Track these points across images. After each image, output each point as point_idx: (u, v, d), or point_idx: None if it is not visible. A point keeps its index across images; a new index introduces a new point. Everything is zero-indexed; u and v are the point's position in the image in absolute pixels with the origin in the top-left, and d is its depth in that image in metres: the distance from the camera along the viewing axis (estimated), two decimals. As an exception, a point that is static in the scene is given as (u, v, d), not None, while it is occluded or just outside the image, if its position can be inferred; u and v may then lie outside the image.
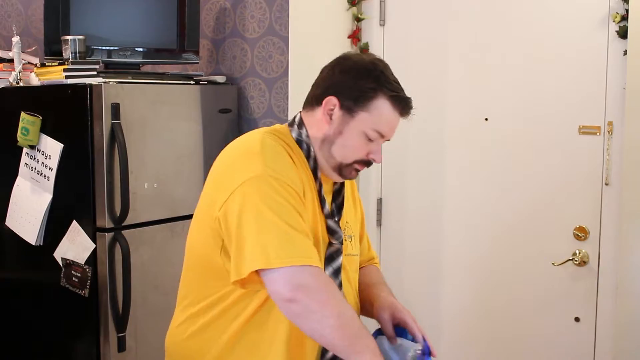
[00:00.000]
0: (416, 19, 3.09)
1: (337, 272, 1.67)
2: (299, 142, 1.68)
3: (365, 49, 3.15)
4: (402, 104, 1.65)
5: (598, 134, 2.70)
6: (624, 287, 2.60)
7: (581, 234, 2.75)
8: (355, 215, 1.85)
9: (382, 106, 1.63)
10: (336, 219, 1.71)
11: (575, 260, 2.76)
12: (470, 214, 3.02)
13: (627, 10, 2.56)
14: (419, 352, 1.65)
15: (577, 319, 2.79)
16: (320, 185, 1.68)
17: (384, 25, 3.16)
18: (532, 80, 2.83)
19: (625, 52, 2.58)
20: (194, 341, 1.68)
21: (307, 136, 1.68)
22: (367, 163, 1.69)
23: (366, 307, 1.81)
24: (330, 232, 1.67)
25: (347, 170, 1.68)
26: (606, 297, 2.70)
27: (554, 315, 2.83)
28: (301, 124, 1.70)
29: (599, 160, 2.70)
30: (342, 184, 1.78)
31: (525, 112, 2.85)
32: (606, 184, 2.69)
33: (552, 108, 2.79)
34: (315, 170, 1.67)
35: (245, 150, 1.63)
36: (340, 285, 1.67)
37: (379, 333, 1.74)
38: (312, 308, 1.48)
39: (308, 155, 1.67)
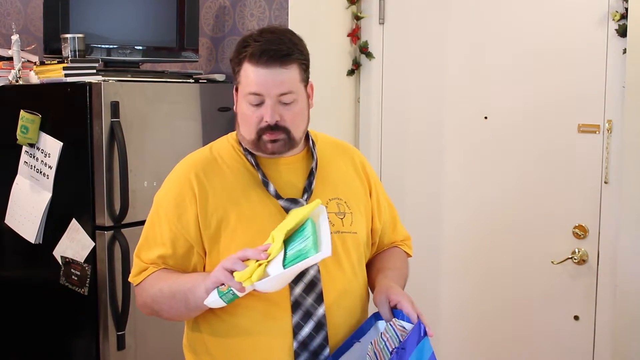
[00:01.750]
0: (415, 17, 3.09)
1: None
2: (240, 142, 1.76)
3: (364, 47, 3.15)
4: (258, 55, 1.62)
5: (597, 132, 2.70)
6: (623, 285, 2.60)
7: (580, 232, 2.76)
8: (356, 193, 1.82)
9: (246, 69, 1.66)
10: (302, 198, 1.70)
11: (575, 259, 2.76)
12: (470, 212, 3.02)
13: (626, 9, 2.55)
14: (402, 326, 1.63)
15: (576, 318, 2.79)
16: (264, 173, 1.71)
17: (383, 23, 3.16)
18: (531, 78, 2.83)
19: (624, 51, 2.58)
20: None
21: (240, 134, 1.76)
22: (268, 128, 1.66)
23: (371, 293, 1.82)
24: (286, 211, 1.67)
25: (261, 144, 1.68)
26: (605, 296, 2.70)
27: (553, 313, 2.83)
28: None
29: (598, 158, 2.70)
30: (313, 160, 1.76)
31: (524, 111, 2.85)
32: (605, 183, 2.69)
33: (551, 106, 2.79)
34: (252, 162, 1.72)
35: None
36: (318, 271, 1.66)
37: (377, 317, 1.74)
38: (159, 312, 1.73)
39: (246, 152, 1.74)
